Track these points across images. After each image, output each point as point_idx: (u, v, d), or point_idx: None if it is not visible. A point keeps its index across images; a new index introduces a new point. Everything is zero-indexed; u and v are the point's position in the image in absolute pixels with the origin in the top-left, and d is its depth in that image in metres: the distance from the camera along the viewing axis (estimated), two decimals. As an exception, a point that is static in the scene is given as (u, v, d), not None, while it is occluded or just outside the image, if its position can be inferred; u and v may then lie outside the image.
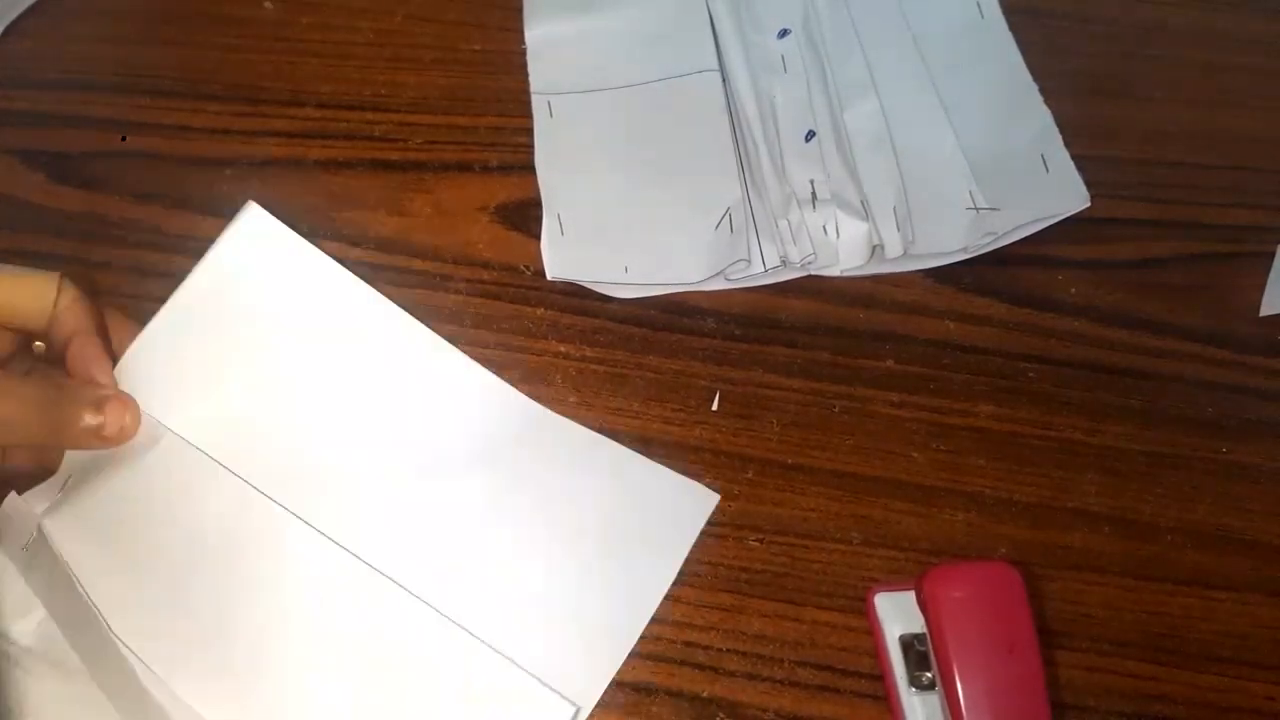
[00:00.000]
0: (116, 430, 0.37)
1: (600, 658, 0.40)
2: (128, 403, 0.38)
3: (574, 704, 0.37)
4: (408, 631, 0.38)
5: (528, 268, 0.48)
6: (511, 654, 0.38)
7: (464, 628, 0.38)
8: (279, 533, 0.38)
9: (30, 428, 0.36)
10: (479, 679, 0.37)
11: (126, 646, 0.36)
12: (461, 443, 0.43)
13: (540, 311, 0.47)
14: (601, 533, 0.42)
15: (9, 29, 0.55)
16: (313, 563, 0.38)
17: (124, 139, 0.52)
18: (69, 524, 0.38)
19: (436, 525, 0.41)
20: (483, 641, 0.38)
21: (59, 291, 0.38)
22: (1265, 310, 0.49)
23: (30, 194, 0.50)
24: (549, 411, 0.44)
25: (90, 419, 0.36)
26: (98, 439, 0.37)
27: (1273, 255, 0.50)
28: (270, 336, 0.41)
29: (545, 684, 0.37)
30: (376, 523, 0.41)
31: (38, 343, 0.39)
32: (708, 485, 0.43)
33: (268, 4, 0.56)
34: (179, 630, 0.37)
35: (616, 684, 0.40)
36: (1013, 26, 0.55)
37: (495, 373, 0.44)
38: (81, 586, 0.36)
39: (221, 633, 0.37)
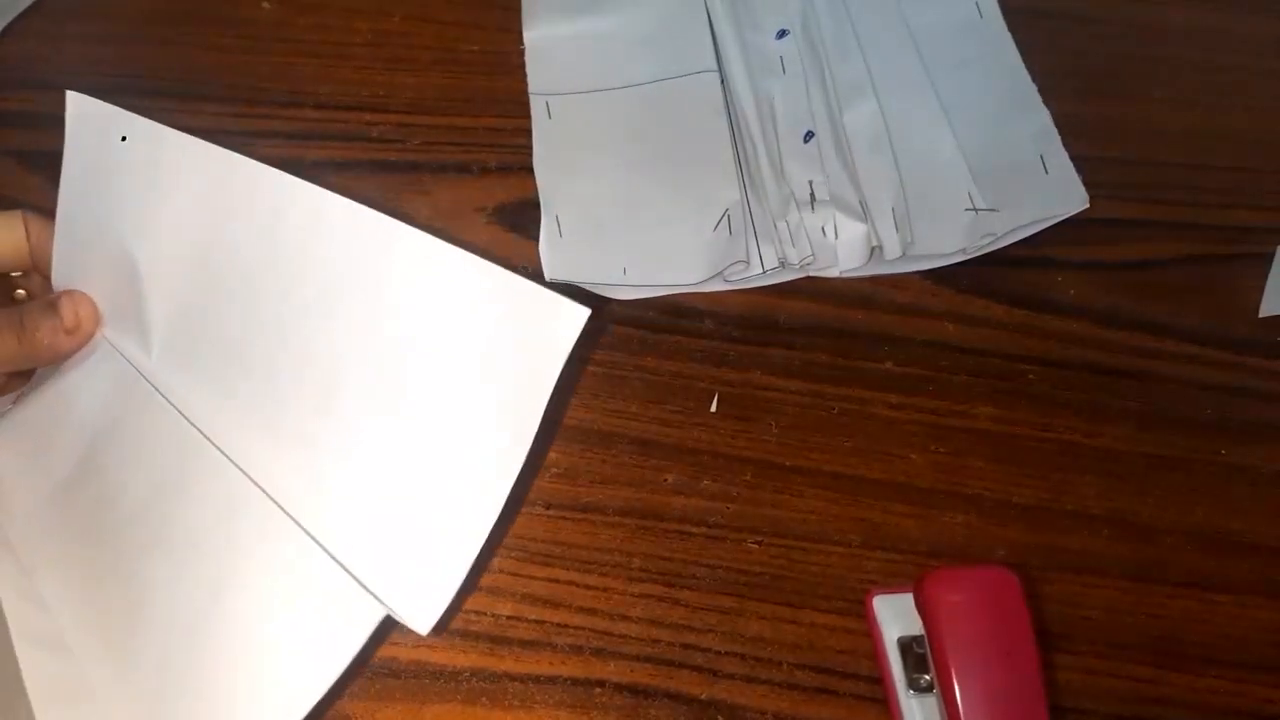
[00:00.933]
0: (74, 319, 0.39)
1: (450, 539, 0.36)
2: (77, 295, 0.39)
3: (385, 606, 0.35)
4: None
5: (526, 269, 0.48)
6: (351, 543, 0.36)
7: (301, 524, 0.37)
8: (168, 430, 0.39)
9: (2, 350, 0.38)
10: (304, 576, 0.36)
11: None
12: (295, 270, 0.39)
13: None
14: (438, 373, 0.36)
15: (8, 29, 0.55)
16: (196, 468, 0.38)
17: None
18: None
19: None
20: (313, 537, 0.36)
21: (27, 226, 0.39)
22: (1264, 311, 0.48)
23: (30, 195, 0.50)
24: (367, 212, 0.37)
25: (49, 320, 0.38)
26: (64, 336, 0.39)
27: (1272, 256, 0.49)
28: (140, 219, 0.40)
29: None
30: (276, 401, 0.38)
31: (19, 289, 0.41)
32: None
33: (266, 5, 0.56)
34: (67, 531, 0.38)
35: (615, 686, 0.40)
36: (1012, 27, 0.55)
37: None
38: None
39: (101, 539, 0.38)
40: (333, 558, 0.36)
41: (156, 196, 0.40)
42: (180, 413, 0.39)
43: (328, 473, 0.37)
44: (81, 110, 0.41)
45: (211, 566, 0.37)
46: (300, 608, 0.36)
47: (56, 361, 0.41)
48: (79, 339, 0.40)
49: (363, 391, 0.37)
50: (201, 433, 0.38)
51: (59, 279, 0.41)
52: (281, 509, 0.37)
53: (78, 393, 0.40)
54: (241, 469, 0.37)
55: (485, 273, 0.35)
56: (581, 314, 0.34)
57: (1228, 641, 0.41)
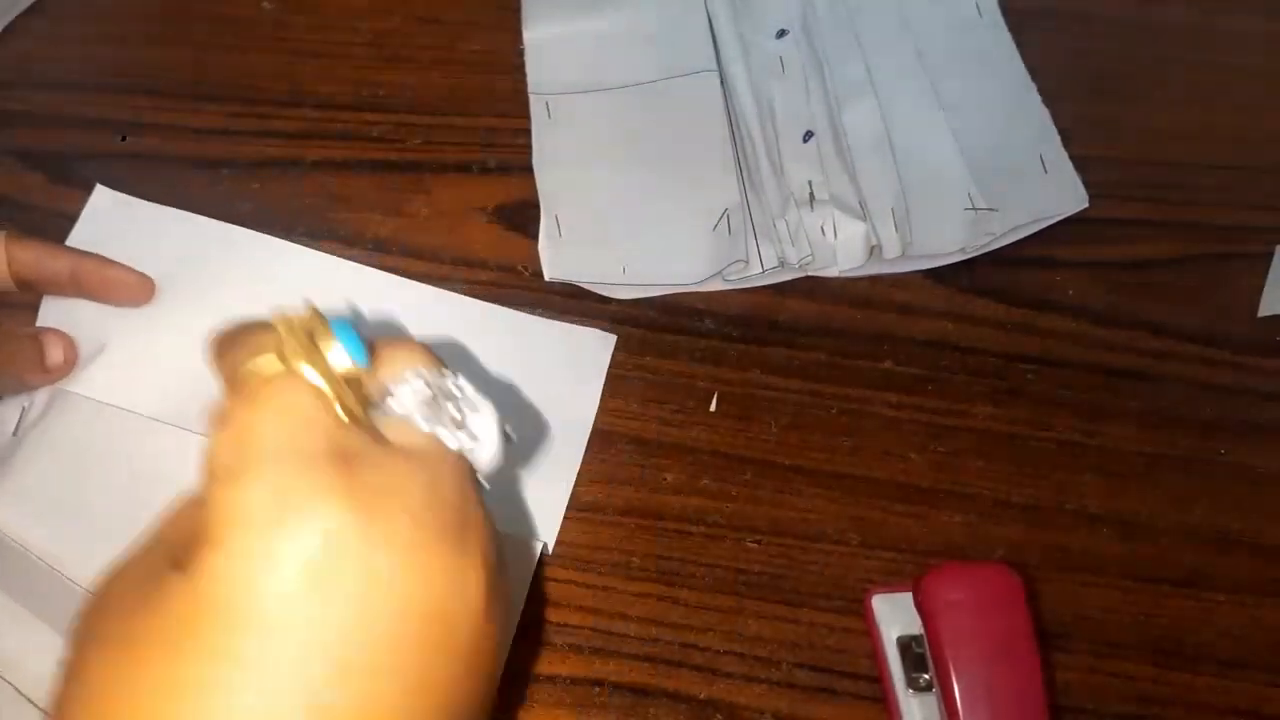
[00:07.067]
0: (58, 360, 0.41)
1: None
2: (62, 335, 0.42)
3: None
4: None
5: (526, 268, 0.48)
6: None
7: None
8: None
9: None
10: None
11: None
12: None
13: (538, 312, 0.47)
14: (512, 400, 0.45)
15: (8, 29, 0.55)
16: None
17: (124, 139, 0.52)
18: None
19: None
20: None
21: (7, 248, 0.41)
22: (1264, 311, 0.48)
23: (30, 194, 0.50)
24: (427, 287, 0.47)
25: (28, 352, 0.40)
26: (41, 370, 0.41)
27: (1271, 256, 0.49)
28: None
29: None
30: None
31: None
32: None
33: (266, 4, 0.56)
34: None
35: (614, 686, 0.40)
36: (1011, 27, 0.55)
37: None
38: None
39: None
40: None
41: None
42: None
43: None
44: (104, 201, 0.47)
45: None
46: None
47: (18, 392, 0.42)
48: (50, 377, 0.41)
49: None
50: None
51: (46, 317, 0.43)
52: None
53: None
54: None
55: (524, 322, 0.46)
56: (607, 341, 0.46)
57: (1227, 641, 0.41)
